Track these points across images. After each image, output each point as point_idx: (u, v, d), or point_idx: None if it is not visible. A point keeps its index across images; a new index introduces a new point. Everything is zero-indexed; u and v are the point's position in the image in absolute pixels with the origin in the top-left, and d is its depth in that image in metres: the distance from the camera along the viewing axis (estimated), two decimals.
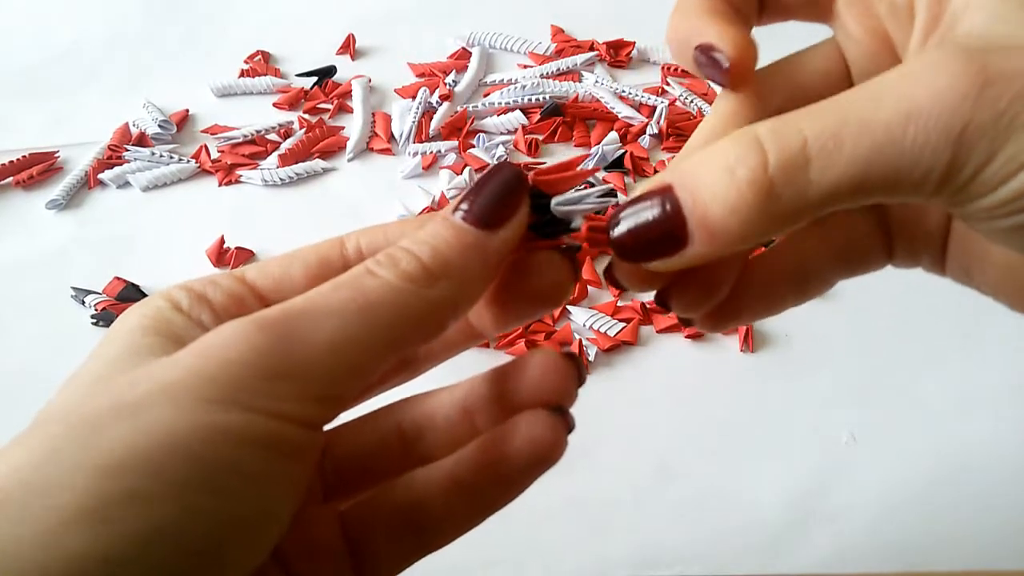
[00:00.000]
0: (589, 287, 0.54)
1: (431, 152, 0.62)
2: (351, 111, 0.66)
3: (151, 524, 0.16)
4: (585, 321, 0.51)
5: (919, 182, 0.18)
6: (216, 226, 0.58)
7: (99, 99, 0.68)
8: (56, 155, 0.63)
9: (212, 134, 0.65)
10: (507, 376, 0.24)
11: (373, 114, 0.66)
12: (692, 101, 0.64)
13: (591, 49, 0.69)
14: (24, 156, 0.63)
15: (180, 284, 0.21)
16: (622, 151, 0.61)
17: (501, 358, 0.50)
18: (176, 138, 0.65)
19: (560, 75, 0.68)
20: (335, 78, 0.69)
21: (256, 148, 0.63)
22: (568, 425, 0.23)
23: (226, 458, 0.17)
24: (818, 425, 0.47)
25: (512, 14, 0.73)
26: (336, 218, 0.59)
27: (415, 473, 0.24)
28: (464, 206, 0.21)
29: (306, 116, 0.66)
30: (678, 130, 0.62)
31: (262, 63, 0.71)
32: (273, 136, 0.65)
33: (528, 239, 0.22)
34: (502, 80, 0.68)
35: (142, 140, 0.65)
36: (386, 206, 0.59)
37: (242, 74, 0.70)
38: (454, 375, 0.25)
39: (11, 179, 0.62)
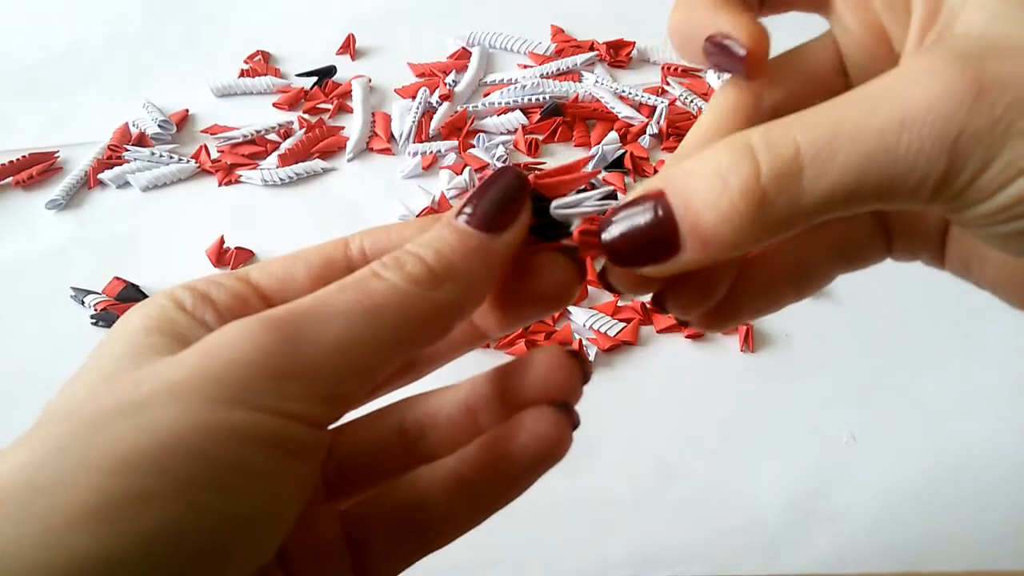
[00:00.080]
0: (589, 287, 0.54)
1: (431, 152, 0.62)
2: (351, 111, 0.66)
3: (157, 523, 0.16)
4: (585, 321, 0.51)
5: (914, 190, 0.17)
6: (216, 226, 0.58)
7: (99, 99, 0.68)
8: (56, 155, 0.63)
9: (212, 134, 0.65)
10: (511, 374, 0.24)
11: (373, 114, 0.66)
12: (692, 101, 0.65)
13: (591, 49, 0.69)
14: (24, 156, 0.62)
15: (183, 284, 0.21)
16: (622, 151, 0.61)
17: (501, 358, 0.50)
18: (176, 138, 0.65)
19: (560, 75, 0.68)
20: (335, 78, 0.69)
21: (256, 148, 0.63)
22: (573, 422, 0.23)
23: (232, 457, 0.17)
24: (818, 425, 0.47)
25: (512, 14, 0.73)
26: (336, 218, 0.59)
27: (417, 472, 0.24)
28: (468, 210, 0.21)
29: (306, 116, 0.66)
30: (678, 130, 0.62)
31: (262, 63, 0.71)
32: (273, 136, 0.65)
33: (528, 242, 0.22)
34: (502, 80, 0.68)
35: (142, 140, 0.65)
36: (386, 206, 0.59)
37: (242, 74, 0.70)
38: (455, 375, 0.25)
39: (11, 179, 0.62)
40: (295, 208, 0.60)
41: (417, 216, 0.57)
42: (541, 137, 0.63)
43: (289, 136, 0.64)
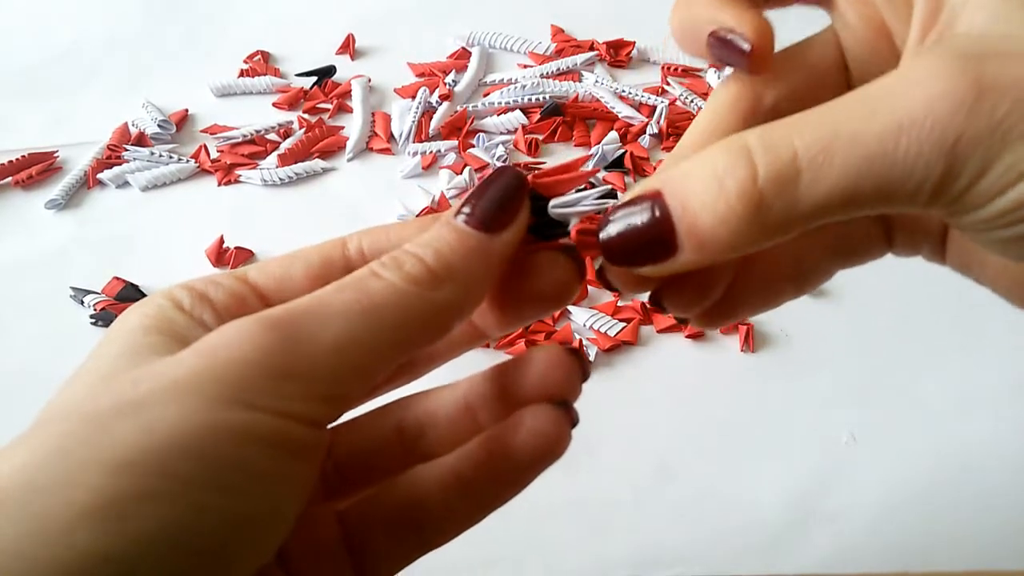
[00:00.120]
0: (589, 287, 0.54)
1: (431, 152, 0.62)
2: (351, 111, 0.66)
3: (159, 522, 0.16)
4: (585, 321, 0.51)
5: (912, 194, 0.17)
6: (215, 226, 0.58)
7: (99, 99, 0.68)
8: (55, 155, 0.63)
9: (211, 134, 0.65)
10: (510, 372, 0.24)
11: (373, 114, 0.66)
12: (692, 101, 0.64)
13: (591, 49, 0.69)
14: (23, 156, 0.62)
15: (181, 283, 0.21)
16: (622, 151, 0.61)
17: (501, 358, 0.50)
18: (175, 138, 0.65)
19: (560, 75, 0.68)
20: (335, 78, 0.69)
21: (255, 148, 0.63)
22: (572, 419, 0.23)
23: (233, 456, 0.17)
24: (818, 425, 0.47)
25: (512, 14, 0.73)
26: (335, 218, 0.59)
27: (415, 470, 0.24)
28: (466, 210, 0.21)
29: (306, 116, 0.66)
30: (678, 130, 0.62)
31: (262, 63, 0.71)
32: (272, 136, 0.65)
33: (527, 241, 0.22)
34: (502, 80, 0.68)
35: (141, 140, 0.65)
36: (386, 206, 0.59)
37: (242, 74, 0.70)
38: (454, 375, 0.25)
39: (10, 179, 0.62)
40: (295, 208, 0.60)
41: (417, 216, 0.57)
42: (541, 137, 0.63)
43: (289, 136, 0.64)
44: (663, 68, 0.68)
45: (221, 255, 0.56)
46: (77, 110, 0.67)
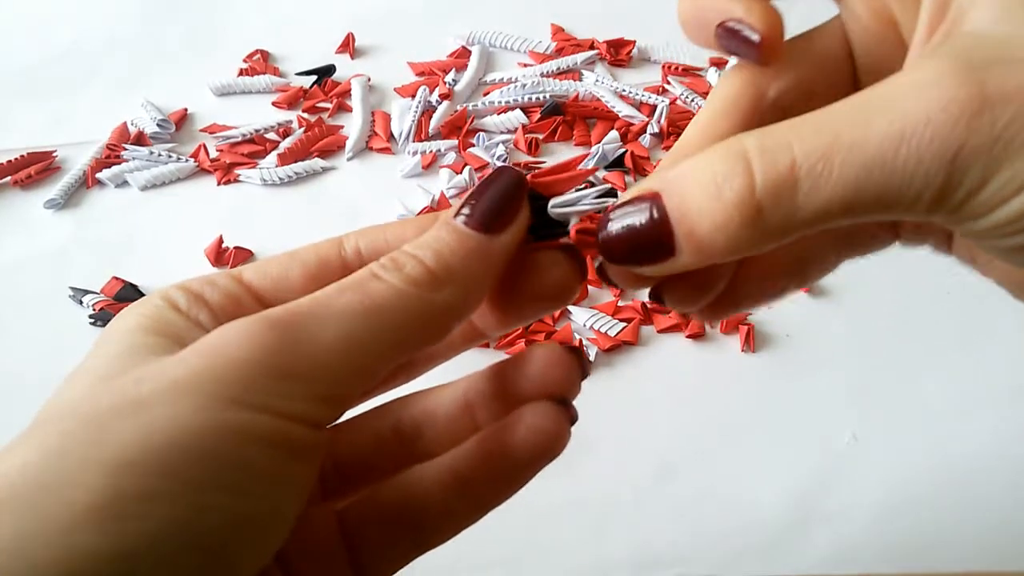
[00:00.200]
0: (590, 287, 0.54)
1: (431, 151, 0.62)
2: (350, 110, 0.66)
3: (161, 522, 0.16)
4: (586, 321, 0.51)
5: (912, 203, 0.17)
6: (215, 225, 0.58)
7: (98, 99, 0.68)
8: (54, 154, 0.63)
9: (211, 133, 0.65)
10: (509, 371, 0.24)
11: (372, 113, 0.66)
12: (693, 100, 0.64)
13: (591, 48, 0.69)
14: (22, 155, 0.62)
15: (177, 284, 0.21)
16: (623, 150, 0.61)
17: (501, 358, 0.50)
18: (175, 137, 0.65)
19: (560, 74, 0.68)
20: (334, 77, 0.69)
21: (255, 147, 0.63)
22: (571, 417, 0.23)
23: (235, 456, 0.17)
24: (818, 425, 0.47)
25: (512, 13, 0.73)
26: (335, 217, 0.59)
27: (414, 469, 0.24)
28: (466, 211, 0.21)
29: (305, 115, 0.66)
30: (679, 129, 0.62)
31: (261, 62, 0.71)
32: (272, 135, 0.64)
33: (527, 241, 0.22)
34: (502, 79, 0.67)
35: (140, 139, 0.65)
36: (385, 205, 0.59)
37: (241, 73, 0.69)
38: (454, 374, 0.25)
39: (9, 178, 0.62)
40: (294, 207, 0.60)
41: (417, 215, 0.57)
42: (541, 136, 0.63)
43: (288, 135, 0.64)
44: (664, 67, 0.68)
45: (220, 255, 0.56)
46: (76, 110, 0.67)
